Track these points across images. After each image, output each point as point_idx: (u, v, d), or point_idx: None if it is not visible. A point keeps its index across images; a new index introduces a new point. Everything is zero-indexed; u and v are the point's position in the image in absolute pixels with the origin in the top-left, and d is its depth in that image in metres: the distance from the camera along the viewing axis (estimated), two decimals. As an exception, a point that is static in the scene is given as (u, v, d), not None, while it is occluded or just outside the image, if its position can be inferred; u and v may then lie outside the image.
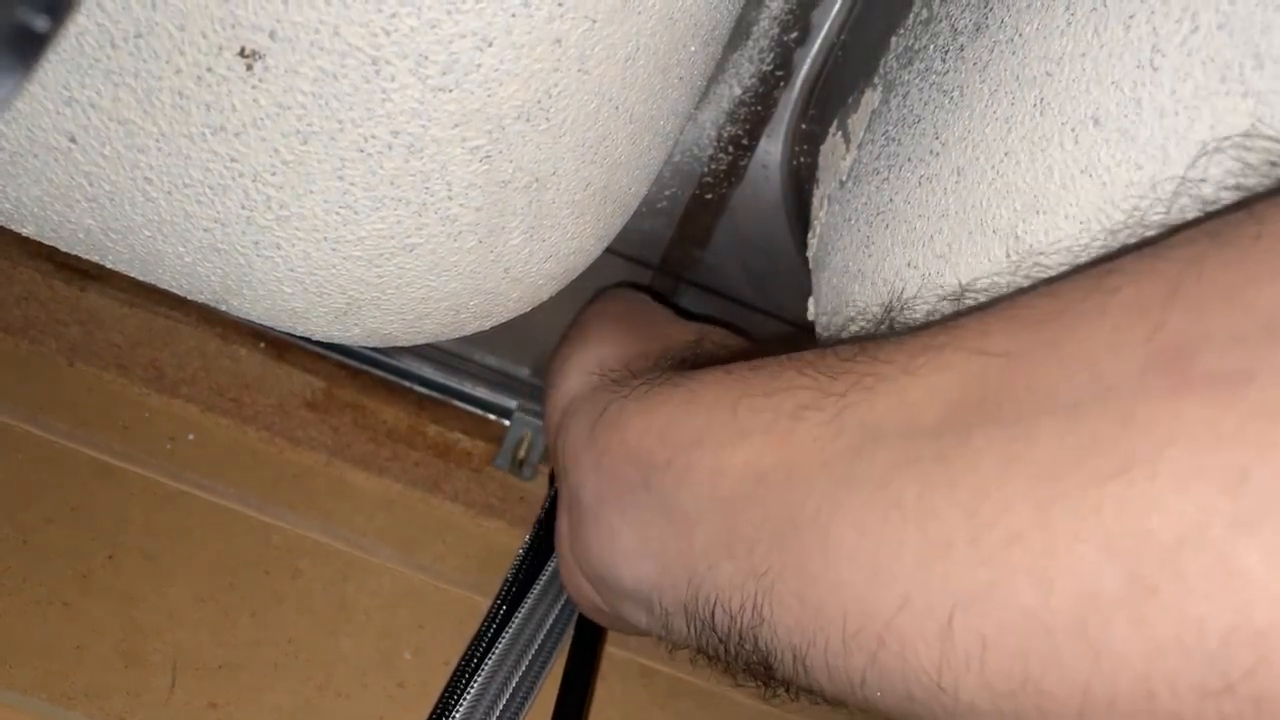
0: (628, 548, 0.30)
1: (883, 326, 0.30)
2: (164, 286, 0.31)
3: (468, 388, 0.58)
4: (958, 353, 0.23)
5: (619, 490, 0.30)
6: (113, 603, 0.47)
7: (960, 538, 0.20)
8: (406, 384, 0.57)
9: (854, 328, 0.32)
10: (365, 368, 0.57)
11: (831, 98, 0.40)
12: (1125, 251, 0.23)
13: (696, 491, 0.27)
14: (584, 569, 0.33)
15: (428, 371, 0.58)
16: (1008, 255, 0.26)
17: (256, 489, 0.53)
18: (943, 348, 0.23)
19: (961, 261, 0.27)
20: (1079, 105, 0.24)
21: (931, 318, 0.28)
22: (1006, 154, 0.26)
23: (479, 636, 0.40)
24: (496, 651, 0.39)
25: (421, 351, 0.57)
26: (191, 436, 0.54)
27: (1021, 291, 0.24)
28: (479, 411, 0.58)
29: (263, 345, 0.55)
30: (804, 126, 0.41)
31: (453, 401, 0.58)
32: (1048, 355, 0.20)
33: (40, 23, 0.13)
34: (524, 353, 0.56)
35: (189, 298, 0.31)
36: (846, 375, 0.25)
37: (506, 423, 0.58)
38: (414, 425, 0.56)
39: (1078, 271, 0.23)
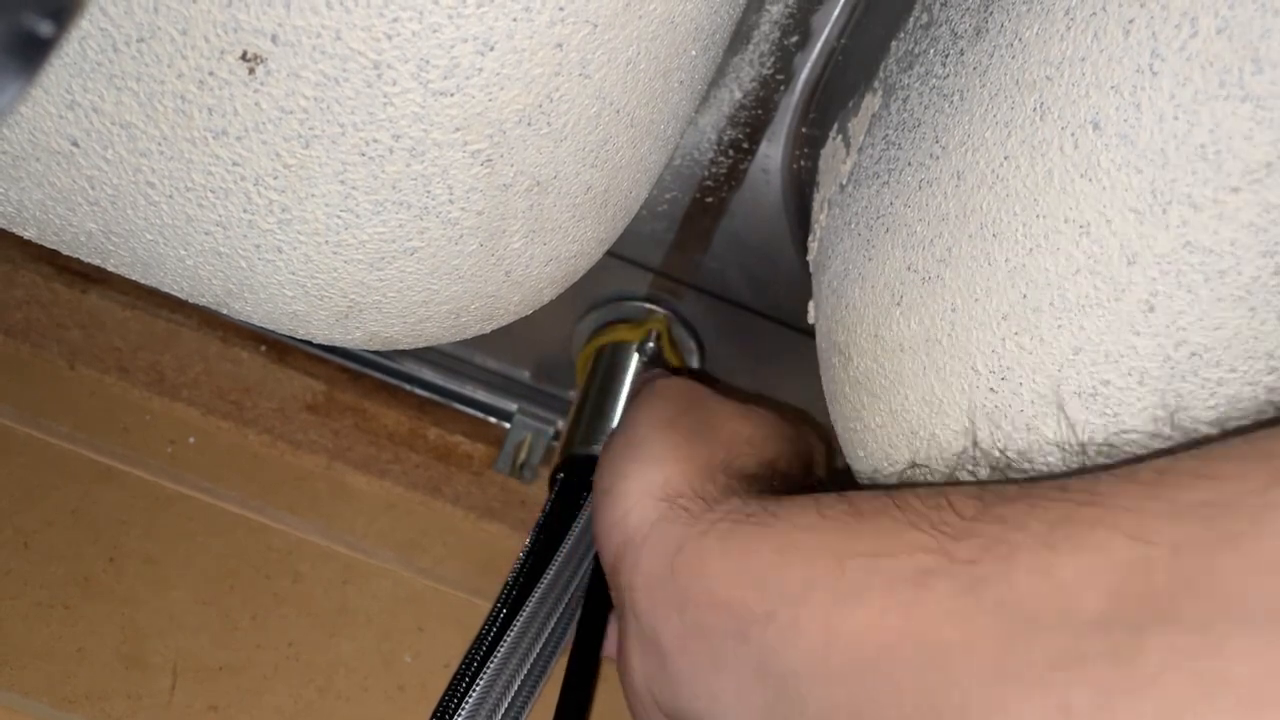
0: (728, 704, 0.27)
1: (967, 457, 0.28)
2: (166, 290, 0.31)
3: (468, 391, 0.58)
4: (1112, 534, 0.20)
5: (711, 641, 0.28)
6: (113, 605, 0.47)
7: None
8: (407, 387, 0.57)
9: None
10: (366, 371, 0.57)
11: (832, 102, 0.40)
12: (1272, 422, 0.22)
13: (806, 653, 0.25)
14: (667, 709, 0.31)
15: (428, 374, 0.58)
16: (1006, 261, 0.26)
17: (257, 492, 0.53)
18: (1091, 524, 0.21)
19: (961, 265, 0.27)
20: (1078, 109, 0.24)
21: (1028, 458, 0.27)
22: (1006, 158, 0.26)
23: (479, 640, 0.40)
24: (498, 655, 0.39)
25: (422, 355, 0.57)
26: (192, 439, 0.54)
27: (1167, 459, 0.23)
28: (479, 414, 0.58)
29: (264, 348, 0.55)
30: (804, 130, 0.41)
31: (453, 404, 0.58)
32: (1228, 553, 0.19)
33: (45, 28, 0.13)
34: (524, 356, 0.56)
35: (191, 301, 0.31)
36: (972, 539, 0.23)
37: (507, 426, 0.58)
38: (415, 428, 0.56)
39: (1235, 441, 0.22)
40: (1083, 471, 0.25)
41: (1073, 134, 0.24)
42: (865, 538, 0.25)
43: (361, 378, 0.57)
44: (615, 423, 0.47)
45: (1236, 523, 0.19)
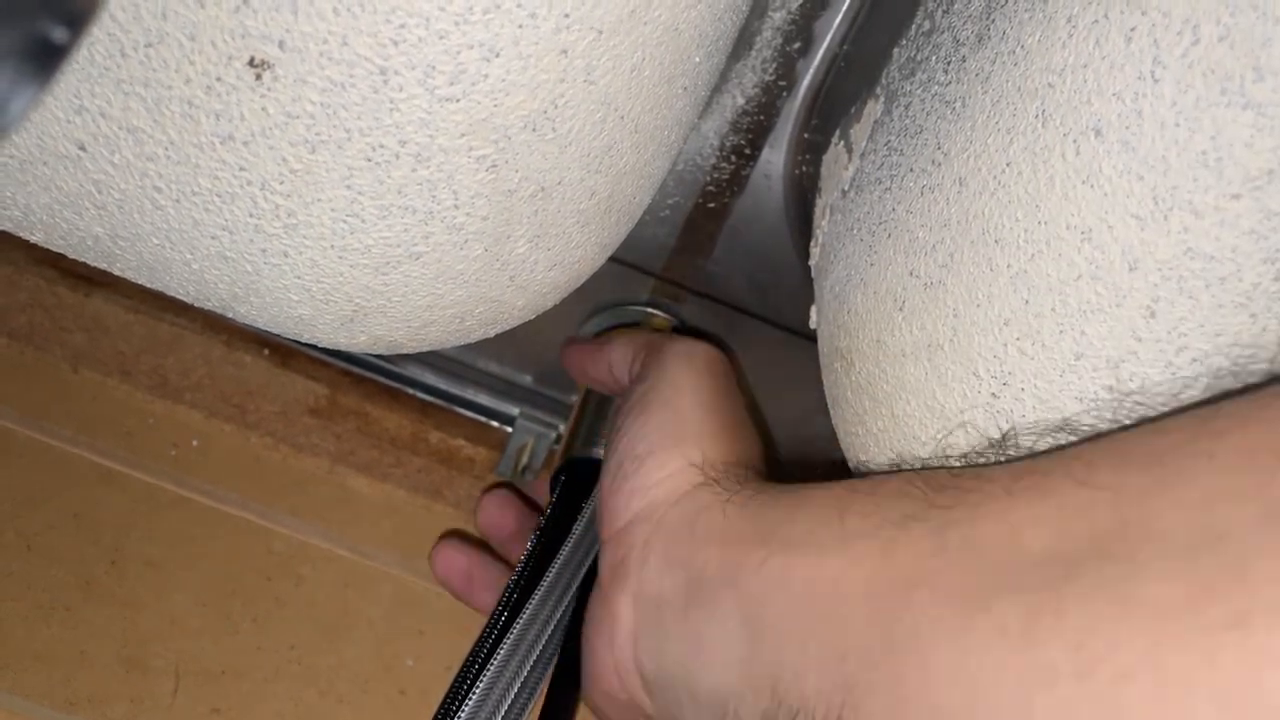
0: (712, 651, 0.29)
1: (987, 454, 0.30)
2: (171, 293, 0.31)
3: (470, 394, 0.58)
4: (1063, 480, 0.23)
5: (706, 589, 0.30)
6: (115, 609, 0.47)
7: (1066, 670, 0.20)
8: (410, 391, 0.58)
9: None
10: (369, 374, 0.57)
11: (834, 108, 0.40)
12: (1223, 397, 0.23)
13: (789, 597, 0.27)
14: (646, 669, 0.32)
15: (431, 378, 0.58)
16: (1008, 266, 0.26)
17: (259, 495, 0.53)
18: (1047, 473, 0.23)
19: (964, 271, 0.27)
20: (1080, 116, 0.24)
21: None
22: (1008, 164, 0.26)
23: (480, 643, 0.40)
24: (498, 658, 0.39)
25: (425, 358, 0.57)
26: (195, 443, 0.54)
27: (1123, 429, 0.25)
28: (482, 418, 0.58)
29: (267, 352, 0.55)
30: (806, 136, 0.42)
31: (455, 408, 0.58)
32: (1158, 495, 0.21)
33: (59, 34, 0.13)
34: (527, 360, 0.56)
35: (196, 305, 0.31)
36: (952, 489, 0.25)
37: (509, 430, 0.58)
38: (417, 432, 0.56)
39: (1178, 412, 0.23)
40: None
41: (1074, 140, 0.24)
42: (865, 496, 0.27)
43: (364, 381, 0.57)
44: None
45: (1166, 470, 0.21)
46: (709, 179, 0.44)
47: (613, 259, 0.35)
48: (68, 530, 0.49)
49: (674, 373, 0.39)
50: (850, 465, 0.35)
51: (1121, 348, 0.25)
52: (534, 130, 0.26)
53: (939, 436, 0.29)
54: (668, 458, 0.35)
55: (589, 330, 0.52)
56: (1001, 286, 0.26)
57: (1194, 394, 0.24)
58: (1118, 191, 0.23)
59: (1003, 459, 0.28)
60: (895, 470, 0.31)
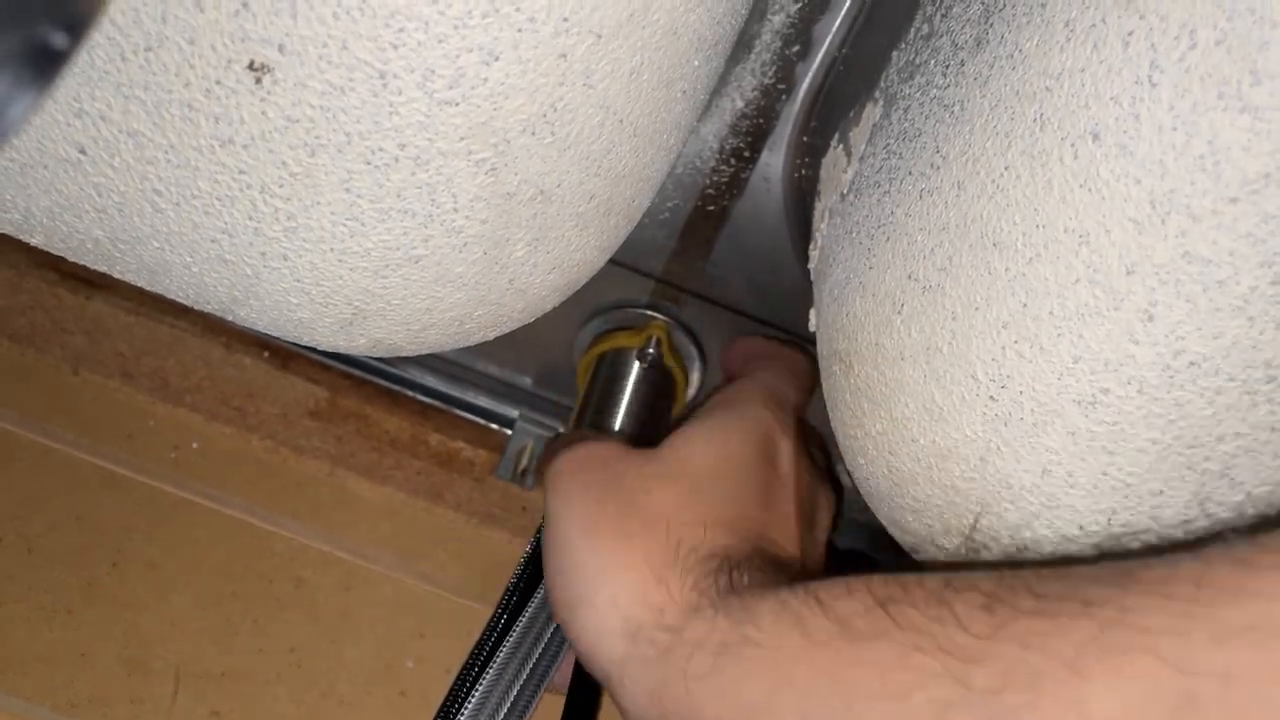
0: None
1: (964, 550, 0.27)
2: (171, 296, 0.31)
3: (470, 397, 0.58)
4: (1153, 662, 0.19)
5: None
6: (116, 611, 0.48)
7: None
8: (409, 393, 0.58)
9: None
10: (368, 377, 0.57)
11: (833, 111, 0.40)
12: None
13: None
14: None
15: (430, 381, 0.58)
16: (1006, 270, 0.26)
17: (260, 498, 0.53)
18: (1125, 650, 0.19)
19: (962, 274, 0.27)
20: (1078, 120, 0.24)
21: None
22: (1006, 168, 0.26)
23: (480, 645, 0.40)
24: (498, 660, 0.39)
25: (424, 361, 0.57)
26: (196, 445, 0.54)
27: (1197, 563, 0.21)
28: (481, 421, 0.58)
29: (267, 355, 0.55)
30: (805, 139, 0.42)
31: (455, 411, 0.58)
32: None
33: (60, 40, 0.13)
34: (526, 363, 0.56)
35: (196, 307, 0.31)
36: (990, 664, 0.21)
37: (509, 432, 0.58)
38: (416, 434, 0.56)
39: (1268, 541, 0.21)
40: (1098, 563, 0.23)
41: (1072, 144, 0.24)
42: (867, 668, 0.23)
43: (364, 384, 0.57)
44: (615, 429, 0.47)
45: (1266, 639, 0.18)
46: (708, 182, 0.44)
47: (612, 261, 0.36)
48: (69, 532, 0.49)
49: (548, 505, 0.35)
50: (849, 467, 0.35)
51: (1119, 351, 0.25)
52: (533, 134, 0.26)
53: (937, 440, 0.29)
54: (582, 625, 0.31)
55: (588, 333, 0.52)
56: (999, 290, 0.26)
57: (1189, 396, 0.24)
58: (1115, 195, 0.23)
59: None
60: (873, 588, 0.25)
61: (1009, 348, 0.26)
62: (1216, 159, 0.22)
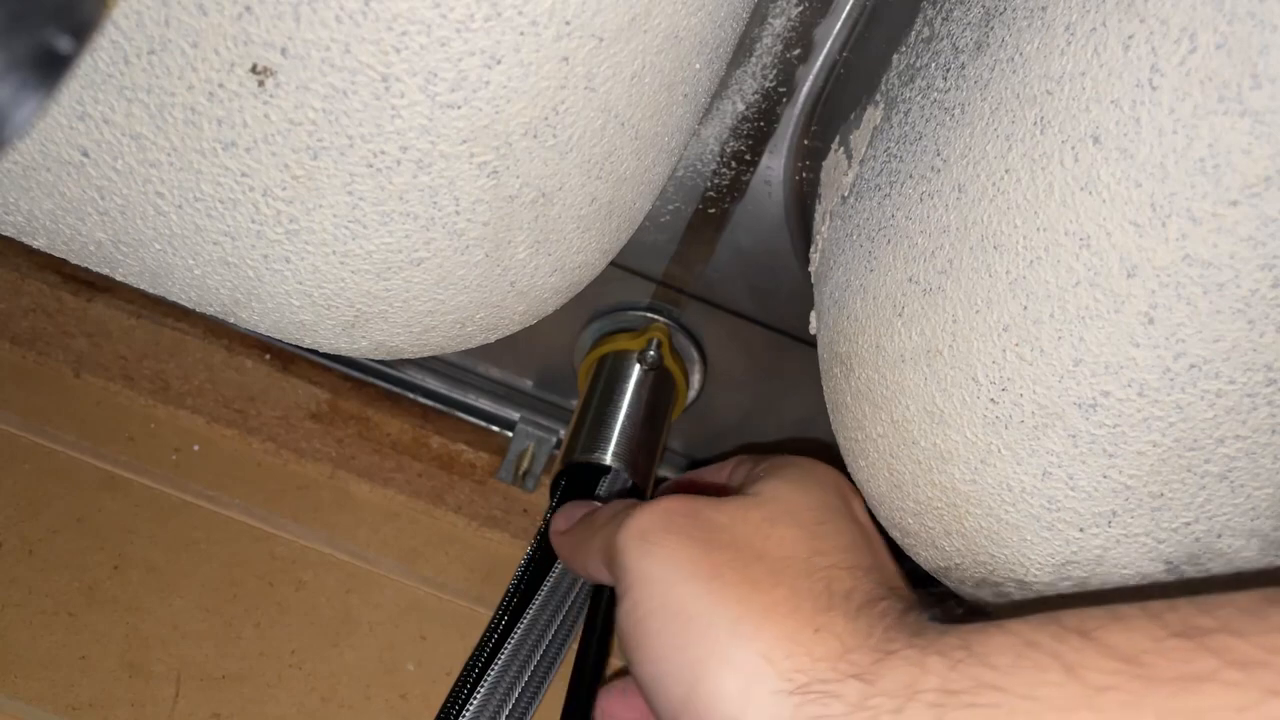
0: None
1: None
2: (173, 299, 0.31)
3: (471, 400, 0.58)
4: None
5: None
6: (118, 613, 0.48)
7: None
8: (411, 396, 0.58)
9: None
10: (370, 380, 0.57)
11: (834, 114, 0.40)
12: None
13: None
14: None
15: (432, 383, 0.58)
16: (1007, 273, 0.26)
17: (261, 500, 0.53)
18: None
19: (962, 277, 0.27)
20: (1079, 123, 0.24)
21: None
22: (1007, 171, 0.26)
23: (481, 647, 0.40)
24: (498, 663, 0.39)
25: (426, 363, 0.57)
26: (197, 448, 0.54)
27: None
28: (482, 423, 0.58)
29: (268, 357, 0.55)
30: (806, 142, 0.42)
31: (456, 413, 0.58)
32: None
33: (64, 44, 0.13)
34: (527, 365, 0.56)
35: (198, 310, 0.31)
36: None
37: (510, 435, 0.58)
38: (418, 437, 0.57)
39: None
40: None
41: (1073, 148, 0.24)
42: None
43: (365, 386, 0.57)
44: (616, 432, 0.47)
45: None
46: (709, 185, 0.44)
47: (613, 264, 0.36)
48: (70, 535, 0.49)
49: (621, 569, 0.30)
50: (849, 469, 0.35)
51: (1120, 353, 0.25)
52: (535, 137, 0.26)
53: (938, 442, 0.29)
54: (720, 687, 0.25)
55: (589, 336, 0.52)
56: (1000, 292, 0.26)
57: (1189, 399, 0.24)
58: (1116, 198, 0.24)
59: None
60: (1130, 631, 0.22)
61: (1010, 350, 0.27)
62: (1217, 162, 0.22)
